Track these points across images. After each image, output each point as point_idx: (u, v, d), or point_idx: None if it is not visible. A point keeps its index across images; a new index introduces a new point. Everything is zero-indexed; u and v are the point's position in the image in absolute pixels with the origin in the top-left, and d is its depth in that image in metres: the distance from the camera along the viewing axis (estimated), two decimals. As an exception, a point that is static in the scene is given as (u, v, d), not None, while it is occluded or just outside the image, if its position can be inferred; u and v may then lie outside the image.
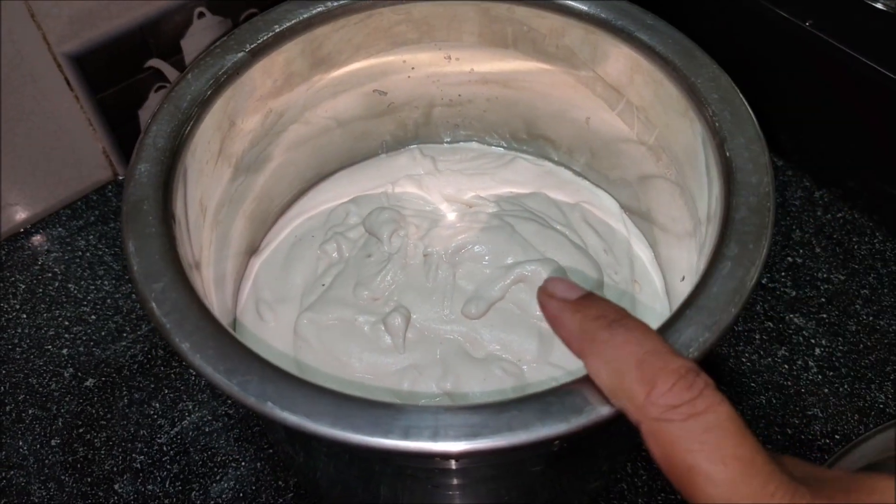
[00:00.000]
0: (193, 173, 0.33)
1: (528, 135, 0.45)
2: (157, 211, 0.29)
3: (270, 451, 0.39)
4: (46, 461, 0.39)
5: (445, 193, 0.42)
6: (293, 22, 0.36)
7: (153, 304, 0.27)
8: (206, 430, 0.40)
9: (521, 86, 0.42)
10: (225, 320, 0.34)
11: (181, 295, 0.27)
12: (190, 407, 0.41)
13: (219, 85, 0.34)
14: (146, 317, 0.44)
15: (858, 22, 0.43)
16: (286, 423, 0.24)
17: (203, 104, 0.33)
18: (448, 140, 0.46)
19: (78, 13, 0.42)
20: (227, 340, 0.26)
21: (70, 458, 0.39)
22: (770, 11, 0.44)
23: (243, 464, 0.39)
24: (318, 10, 0.36)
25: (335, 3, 0.36)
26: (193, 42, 0.47)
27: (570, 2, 0.36)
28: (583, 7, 0.36)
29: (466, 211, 0.41)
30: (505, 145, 0.46)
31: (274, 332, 0.38)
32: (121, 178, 0.50)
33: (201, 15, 0.46)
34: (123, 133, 0.48)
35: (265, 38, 0.35)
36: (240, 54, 0.35)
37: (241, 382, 0.25)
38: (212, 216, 0.36)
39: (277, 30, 0.35)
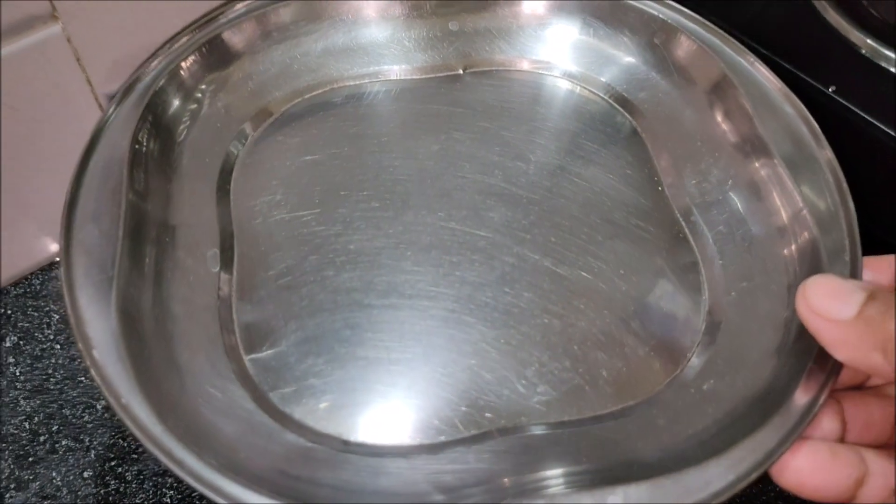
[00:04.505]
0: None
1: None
2: None
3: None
4: (79, 493, 0.40)
5: None
6: None
7: None
8: (235, 467, 0.41)
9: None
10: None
11: None
12: (219, 443, 0.42)
13: None
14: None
15: (882, 90, 0.43)
16: None
17: None
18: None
19: (122, 56, 0.43)
20: None
21: (102, 491, 0.41)
22: (793, 76, 0.45)
23: (271, 502, 0.40)
24: None
25: None
26: (230, 82, 0.48)
27: None
28: None
29: None
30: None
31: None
32: (153, 210, 0.51)
33: (239, 57, 0.47)
34: (158, 168, 0.49)
35: None
36: None
37: None
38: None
39: None
